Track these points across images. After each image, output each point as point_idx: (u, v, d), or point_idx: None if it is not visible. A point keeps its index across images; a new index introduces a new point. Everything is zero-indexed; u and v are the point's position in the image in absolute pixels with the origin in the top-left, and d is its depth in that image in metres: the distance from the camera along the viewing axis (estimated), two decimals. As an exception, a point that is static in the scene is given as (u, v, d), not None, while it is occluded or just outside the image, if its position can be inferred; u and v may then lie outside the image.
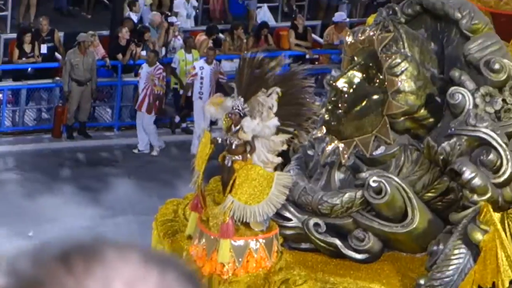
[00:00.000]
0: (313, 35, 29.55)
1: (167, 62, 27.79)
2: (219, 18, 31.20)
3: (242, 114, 16.93)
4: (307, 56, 28.22)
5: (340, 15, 29.28)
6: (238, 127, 16.92)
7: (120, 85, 28.39)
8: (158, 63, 26.60)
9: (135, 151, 26.50)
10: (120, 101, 28.29)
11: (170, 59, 27.98)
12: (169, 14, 29.50)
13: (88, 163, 26.06)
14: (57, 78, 27.60)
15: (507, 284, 17.31)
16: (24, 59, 27.88)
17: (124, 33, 28.08)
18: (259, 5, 31.15)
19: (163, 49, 28.11)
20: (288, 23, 30.28)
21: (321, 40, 29.62)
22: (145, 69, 26.35)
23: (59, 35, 28.34)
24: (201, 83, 26.17)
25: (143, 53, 28.28)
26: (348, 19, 29.17)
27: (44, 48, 27.74)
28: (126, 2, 29.21)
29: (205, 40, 28.27)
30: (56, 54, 28.08)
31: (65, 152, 26.26)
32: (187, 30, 29.36)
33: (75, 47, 26.83)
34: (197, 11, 30.69)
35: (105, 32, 29.08)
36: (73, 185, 24.68)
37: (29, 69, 28.26)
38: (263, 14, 30.65)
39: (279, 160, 17.28)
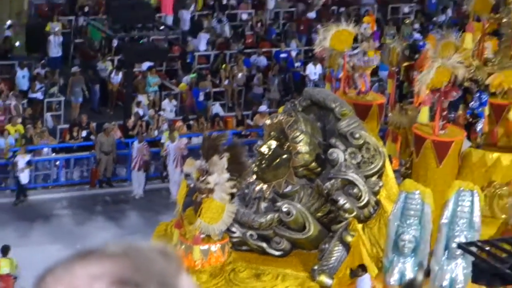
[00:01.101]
0: (247, 120, 30.13)
1: (159, 139, 28.31)
2: (190, 111, 31.27)
3: (205, 171, 18.59)
4: (242, 133, 28.99)
5: (263, 107, 30.28)
6: (203, 178, 18.55)
7: (130, 154, 28.30)
8: (145, 141, 27.28)
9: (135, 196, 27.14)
10: (130, 164, 28.39)
11: (160, 137, 28.54)
12: (158, 109, 30.55)
13: (112, 202, 27.17)
14: (93, 151, 28.18)
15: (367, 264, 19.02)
16: (72, 140, 28.53)
17: (130, 122, 29.10)
18: (213, 102, 31.44)
19: (156, 131, 28.92)
20: (233, 113, 30.95)
21: (251, 123, 29.92)
22: (136, 145, 27.06)
23: (93, 125, 29.15)
24: (169, 154, 26.89)
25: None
26: (267, 109, 29.67)
27: (84, 133, 28.83)
28: (134, 103, 30.03)
29: (181, 125, 29.12)
30: (91, 136, 28.79)
31: (98, 196, 27.39)
32: (171, 119, 29.78)
33: (103, 131, 27.87)
34: (176, 107, 31.11)
35: (120, 122, 29.52)
36: (104, 216, 26.03)
37: (74, 146, 29.03)
38: (216, 108, 31.28)
39: (229, 197, 18.81)
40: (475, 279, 17.97)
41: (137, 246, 1.88)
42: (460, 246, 17.96)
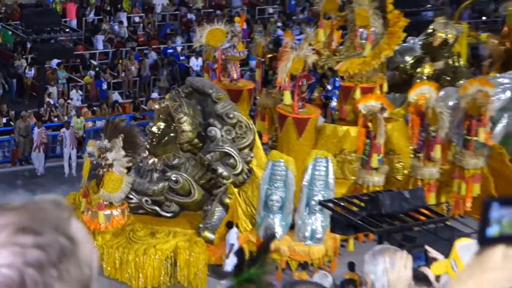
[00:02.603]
0: (142, 105, 29.70)
1: (69, 122, 26.83)
2: (94, 99, 30.32)
3: (105, 149, 18.68)
4: (137, 116, 28.49)
5: (154, 94, 29.91)
6: (104, 155, 18.67)
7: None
8: (43, 126, 26.53)
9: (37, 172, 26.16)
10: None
11: (70, 121, 27.05)
12: (67, 98, 29.82)
13: (30, 176, 26.26)
14: (12, 135, 27.16)
15: (242, 223, 19.24)
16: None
17: (43, 110, 28.36)
18: (113, 91, 30.88)
19: (66, 117, 28.06)
20: (129, 100, 30.32)
21: (145, 107, 29.41)
22: (36, 130, 26.23)
23: (12, 112, 28.36)
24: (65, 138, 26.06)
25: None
26: (158, 96, 29.06)
27: (4, 120, 28.12)
28: (46, 94, 29.44)
29: (86, 111, 28.61)
30: (11, 122, 27.83)
31: (18, 172, 26.63)
32: (77, 106, 29.01)
33: (20, 118, 27.12)
34: (82, 96, 30.15)
35: (35, 109, 28.20)
36: (23, 188, 24.92)
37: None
38: (115, 96, 30.69)
39: (125, 170, 18.99)
40: (333, 229, 18.21)
41: (33, 200, 1.86)
42: (320, 203, 18.13)
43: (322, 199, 18.30)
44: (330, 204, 17.52)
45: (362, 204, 16.55)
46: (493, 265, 1.79)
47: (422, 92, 19.65)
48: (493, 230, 1.76)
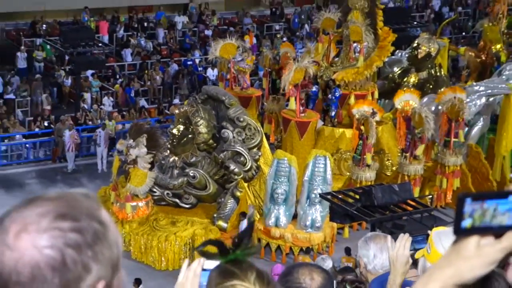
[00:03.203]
0: (165, 110, 29.25)
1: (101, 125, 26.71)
2: (123, 105, 30.15)
3: (130, 146, 18.73)
4: (161, 120, 28.13)
5: (176, 100, 29.53)
6: (129, 153, 18.76)
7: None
8: (74, 129, 26.05)
9: (68, 170, 25.76)
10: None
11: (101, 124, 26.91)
12: (100, 104, 29.62)
13: (68, 172, 25.91)
14: (52, 136, 26.73)
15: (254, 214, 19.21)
16: (37, 128, 27.60)
17: (79, 114, 28.28)
18: (140, 98, 30.76)
19: (99, 120, 27.93)
20: (155, 105, 30.08)
21: (168, 112, 28.86)
22: (67, 132, 25.76)
23: (52, 116, 28.01)
24: (100, 137, 25.58)
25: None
26: (179, 102, 28.40)
27: (46, 123, 27.94)
28: (81, 100, 29.10)
29: (117, 115, 28.25)
30: (51, 125, 27.44)
31: (58, 169, 26.27)
32: (109, 111, 28.67)
33: (60, 121, 26.78)
34: (113, 102, 29.83)
35: (72, 114, 28.11)
36: (62, 183, 24.86)
37: (39, 132, 27.52)
38: (142, 102, 30.37)
39: (149, 166, 19.02)
40: (332, 218, 18.11)
41: (66, 192, 1.90)
42: (320, 195, 18.05)
43: (322, 192, 18.22)
44: (329, 197, 17.36)
45: (357, 197, 16.56)
46: (468, 253, 1.78)
47: (406, 99, 19.52)
48: (466, 223, 1.75)
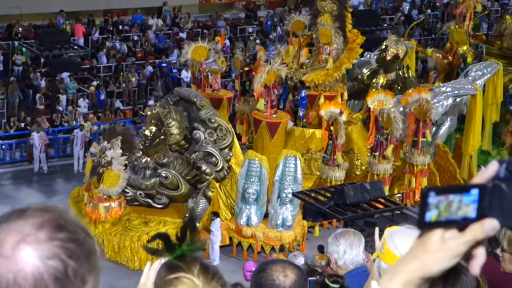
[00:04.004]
0: (140, 112, 29.08)
1: (77, 127, 26.39)
2: (99, 106, 29.95)
3: (105, 148, 18.63)
4: (136, 121, 27.94)
5: (150, 102, 29.27)
6: (104, 155, 18.64)
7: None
8: (42, 132, 25.62)
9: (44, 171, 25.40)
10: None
11: (78, 125, 26.63)
12: (75, 106, 29.55)
13: (44, 173, 25.59)
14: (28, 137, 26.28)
15: (223, 212, 19.21)
16: (11, 129, 27.27)
17: (55, 116, 27.96)
18: (115, 99, 30.68)
19: (74, 122, 27.71)
20: (130, 107, 30.22)
21: (143, 113, 27.64)
22: (35, 134, 25.39)
23: (28, 118, 27.70)
24: (77, 138, 25.46)
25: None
26: (154, 103, 26.74)
27: (22, 125, 27.56)
28: (57, 102, 29.04)
29: (92, 116, 28.06)
30: (27, 127, 27.25)
31: (34, 170, 25.76)
32: (85, 113, 28.56)
33: (36, 123, 26.59)
34: (89, 104, 29.72)
35: (48, 116, 27.92)
36: (38, 184, 24.89)
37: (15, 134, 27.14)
38: (117, 103, 30.30)
39: (124, 168, 18.93)
40: (305, 217, 18.20)
41: (50, 205, 1.83)
42: (293, 194, 18.05)
43: (292, 192, 18.21)
44: (302, 195, 17.44)
45: (330, 195, 16.52)
46: (432, 247, 1.76)
47: (379, 99, 19.47)
48: (431, 215, 1.72)
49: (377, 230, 3.86)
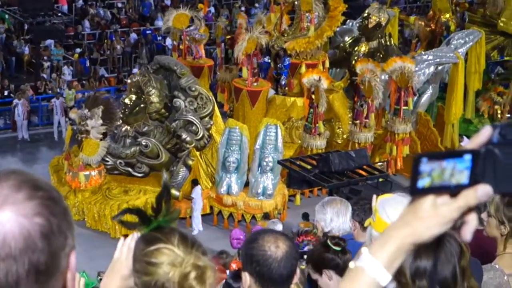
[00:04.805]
0: (125, 79, 27.79)
1: (61, 93, 26.19)
2: (83, 74, 29.49)
3: (86, 117, 18.32)
4: (121, 89, 27.58)
5: (135, 70, 28.15)
6: (84, 122, 18.28)
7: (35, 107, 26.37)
8: (23, 99, 25.24)
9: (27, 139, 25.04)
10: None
11: (63, 93, 26.47)
12: (60, 73, 28.88)
13: (28, 141, 25.36)
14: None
15: (203, 181, 19.01)
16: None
17: (39, 83, 27.62)
18: (100, 67, 30.22)
19: (58, 89, 27.23)
20: (114, 74, 29.74)
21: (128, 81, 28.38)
22: (17, 101, 25.16)
23: (12, 86, 27.34)
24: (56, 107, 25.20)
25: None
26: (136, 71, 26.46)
27: (6, 92, 27.29)
28: (41, 69, 28.57)
29: (77, 84, 27.64)
30: (11, 94, 26.80)
31: (17, 137, 25.36)
32: (69, 80, 28.20)
33: (20, 90, 26.16)
34: (73, 71, 29.32)
35: (32, 83, 27.53)
36: (22, 152, 24.71)
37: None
38: (102, 71, 29.85)
39: (101, 136, 18.61)
40: (290, 185, 18.01)
41: (18, 168, 1.83)
42: (279, 162, 17.85)
43: (278, 160, 17.97)
44: (288, 163, 17.14)
45: (315, 163, 16.28)
46: (424, 213, 1.74)
47: (367, 67, 19.09)
48: (424, 182, 1.70)
49: (374, 197, 3.81)
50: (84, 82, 28.50)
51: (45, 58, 29.56)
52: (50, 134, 25.84)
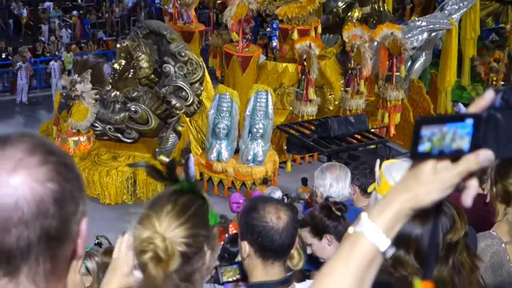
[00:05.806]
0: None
1: (59, 57, 25.79)
2: (81, 37, 29.48)
3: (75, 82, 17.76)
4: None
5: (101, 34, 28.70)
6: (74, 88, 17.77)
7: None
8: (28, 61, 25.05)
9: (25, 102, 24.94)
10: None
11: (61, 56, 26.08)
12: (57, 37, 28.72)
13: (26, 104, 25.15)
14: (10, 68, 25.82)
15: (193, 147, 18.51)
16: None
17: (37, 46, 27.16)
18: (98, 30, 29.84)
19: (57, 52, 26.71)
20: (113, 37, 28.88)
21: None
22: (22, 64, 24.76)
23: (10, 48, 27.21)
24: (54, 69, 24.85)
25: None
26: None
27: (3, 55, 26.90)
28: (39, 32, 28.15)
29: (75, 47, 27.21)
30: (9, 57, 26.67)
31: (16, 100, 25.16)
32: (67, 43, 27.94)
33: (18, 53, 25.80)
34: (71, 34, 28.80)
35: (30, 46, 27.17)
36: (21, 114, 24.54)
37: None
38: (100, 34, 29.55)
39: (94, 102, 18.09)
40: (289, 149, 17.72)
41: (31, 132, 1.75)
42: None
43: (263, 127, 17.63)
44: (287, 128, 16.80)
45: (314, 128, 15.99)
46: (425, 178, 1.68)
47: (355, 33, 18.55)
48: (424, 147, 1.64)
49: (378, 161, 3.74)
50: (82, 45, 28.02)
51: (43, 20, 29.07)
52: (49, 97, 25.27)
